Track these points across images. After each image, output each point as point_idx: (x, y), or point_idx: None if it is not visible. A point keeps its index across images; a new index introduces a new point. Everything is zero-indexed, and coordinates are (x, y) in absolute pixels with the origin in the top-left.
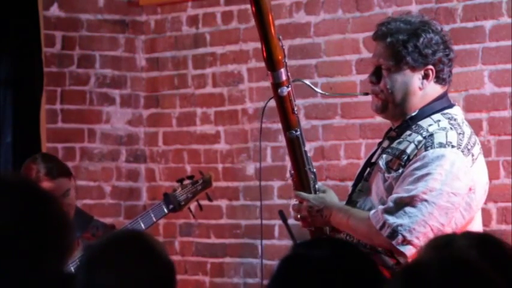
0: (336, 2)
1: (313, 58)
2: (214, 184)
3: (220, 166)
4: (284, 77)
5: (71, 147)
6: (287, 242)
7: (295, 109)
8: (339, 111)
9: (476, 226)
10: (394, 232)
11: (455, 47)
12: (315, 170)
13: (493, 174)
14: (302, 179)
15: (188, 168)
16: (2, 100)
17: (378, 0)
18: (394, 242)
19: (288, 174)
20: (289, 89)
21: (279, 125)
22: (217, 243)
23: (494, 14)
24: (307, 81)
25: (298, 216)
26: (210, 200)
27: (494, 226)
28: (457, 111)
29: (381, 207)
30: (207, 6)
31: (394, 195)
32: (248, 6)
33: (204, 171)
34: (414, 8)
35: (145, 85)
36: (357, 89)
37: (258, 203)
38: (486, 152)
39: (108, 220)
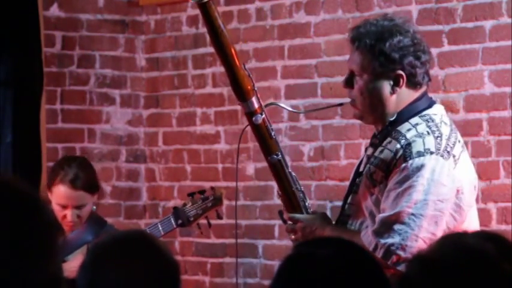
0: (336, 2)
1: (313, 58)
2: (214, 184)
3: (220, 166)
4: (256, 105)
5: (71, 147)
6: (287, 242)
7: (273, 133)
8: (339, 111)
9: (474, 225)
10: (387, 252)
11: (455, 47)
12: (302, 188)
13: (493, 174)
14: (291, 200)
15: (188, 168)
16: (2, 100)
17: (378, 0)
18: (389, 263)
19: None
20: (263, 115)
21: (278, 125)
22: (217, 243)
23: (494, 14)
24: (281, 104)
25: (293, 237)
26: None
27: (494, 226)
28: (436, 111)
29: (370, 228)
30: None
31: (380, 216)
32: (248, 6)
33: (204, 172)
34: (414, 8)
35: (145, 85)
36: None
37: (257, 203)
38: (486, 152)
39: (108, 220)
